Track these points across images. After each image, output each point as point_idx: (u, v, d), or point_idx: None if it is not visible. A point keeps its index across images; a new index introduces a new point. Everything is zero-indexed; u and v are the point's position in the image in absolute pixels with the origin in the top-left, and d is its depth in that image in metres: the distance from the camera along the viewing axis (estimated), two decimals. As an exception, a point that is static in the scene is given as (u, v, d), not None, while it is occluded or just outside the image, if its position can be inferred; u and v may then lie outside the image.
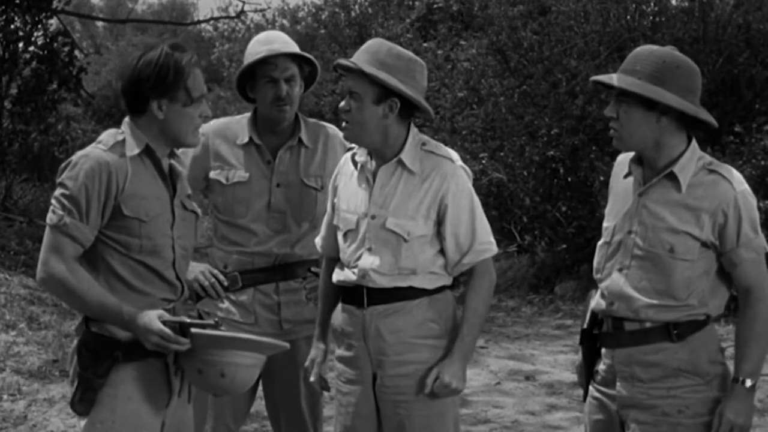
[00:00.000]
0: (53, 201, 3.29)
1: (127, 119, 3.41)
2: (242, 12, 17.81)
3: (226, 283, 4.17)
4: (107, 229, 3.29)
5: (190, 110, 3.36)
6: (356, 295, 3.71)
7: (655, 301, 3.40)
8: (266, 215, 4.21)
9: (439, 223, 3.66)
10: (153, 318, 3.23)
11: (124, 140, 3.34)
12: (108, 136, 3.36)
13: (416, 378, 3.65)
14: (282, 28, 22.35)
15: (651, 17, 12.48)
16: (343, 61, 3.67)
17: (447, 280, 3.74)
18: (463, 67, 14.07)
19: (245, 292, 4.20)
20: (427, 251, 3.66)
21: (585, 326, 3.61)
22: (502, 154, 12.94)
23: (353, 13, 19.86)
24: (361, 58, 3.63)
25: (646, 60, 3.40)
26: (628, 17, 12.35)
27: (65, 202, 3.24)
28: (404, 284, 3.65)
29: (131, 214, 3.29)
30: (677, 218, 3.39)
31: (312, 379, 3.91)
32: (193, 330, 3.25)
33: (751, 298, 3.37)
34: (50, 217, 3.27)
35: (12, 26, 13.74)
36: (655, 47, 3.49)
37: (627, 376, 3.47)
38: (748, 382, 3.33)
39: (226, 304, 4.20)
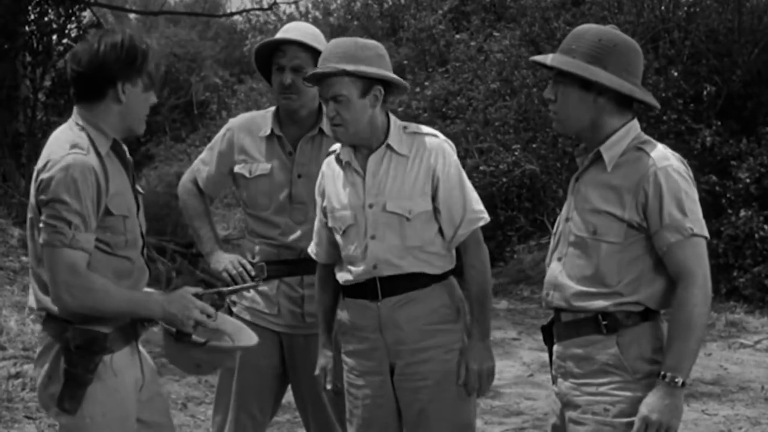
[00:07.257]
0: (50, 221, 3.13)
1: (77, 111, 3.32)
2: (275, 3, 17.78)
3: (253, 273, 4.18)
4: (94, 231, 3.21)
5: (147, 96, 3.31)
6: (368, 288, 3.72)
7: (582, 288, 3.20)
8: (289, 207, 4.21)
9: (433, 198, 3.69)
10: (191, 298, 3.29)
11: (90, 138, 3.25)
12: (77, 137, 3.25)
13: (435, 362, 3.69)
14: (315, 20, 22.28)
15: (685, 8, 12.36)
16: (319, 69, 3.64)
17: (451, 262, 3.77)
18: (496, 59, 14.02)
19: (270, 283, 4.21)
20: (429, 228, 3.70)
21: (546, 323, 3.43)
22: (534, 145, 12.91)
23: (386, 5, 19.79)
24: (332, 60, 3.62)
25: (583, 39, 3.24)
26: (663, 8, 12.23)
27: (67, 216, 3.12)
28: (416, 269, 3.67)
29: (118, 212, 3.25)
30: (602, 198, 3.19)
31: (328, 387, 3.93)
32: (194, 337, 3.27)
33: (678, 286, 3.10)
34: (56, 238, 3.12)
35: (46, 19, 13.81)
36: (594, 26, 3.32)
37: (563, 372, 3.30)
38: (668, 377, 3.05)
39: (251, 293, 4.22)
